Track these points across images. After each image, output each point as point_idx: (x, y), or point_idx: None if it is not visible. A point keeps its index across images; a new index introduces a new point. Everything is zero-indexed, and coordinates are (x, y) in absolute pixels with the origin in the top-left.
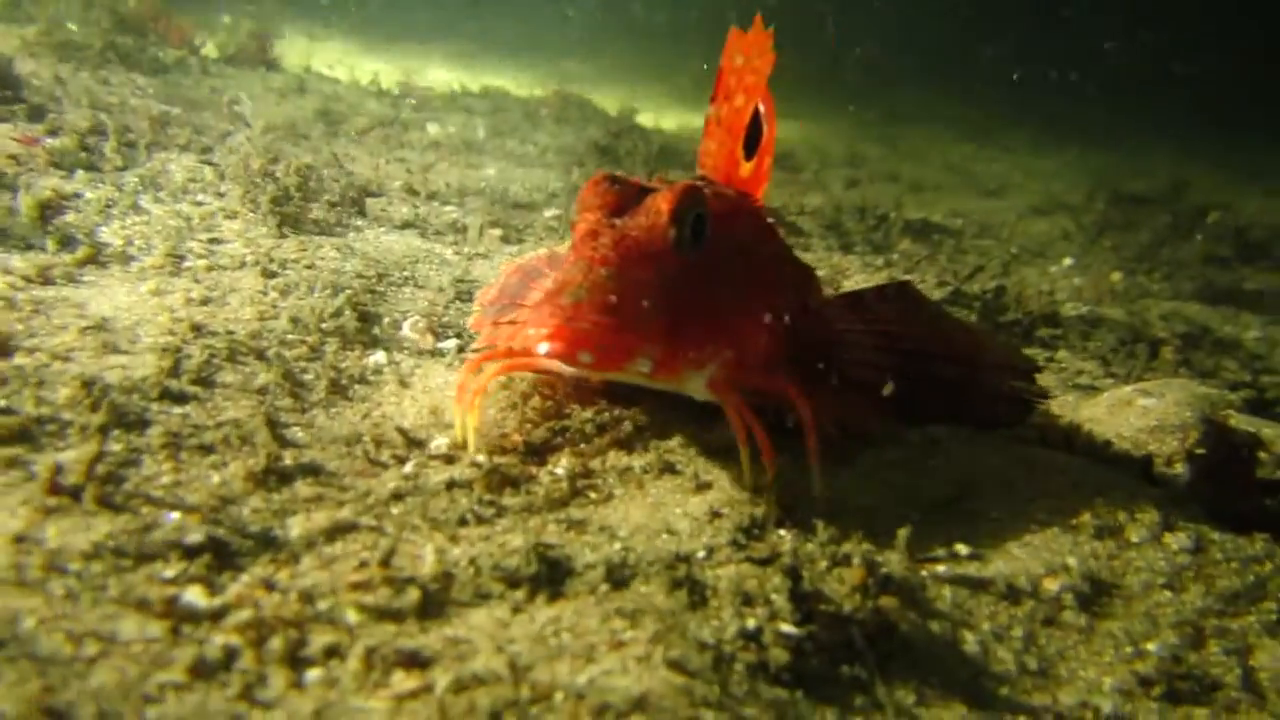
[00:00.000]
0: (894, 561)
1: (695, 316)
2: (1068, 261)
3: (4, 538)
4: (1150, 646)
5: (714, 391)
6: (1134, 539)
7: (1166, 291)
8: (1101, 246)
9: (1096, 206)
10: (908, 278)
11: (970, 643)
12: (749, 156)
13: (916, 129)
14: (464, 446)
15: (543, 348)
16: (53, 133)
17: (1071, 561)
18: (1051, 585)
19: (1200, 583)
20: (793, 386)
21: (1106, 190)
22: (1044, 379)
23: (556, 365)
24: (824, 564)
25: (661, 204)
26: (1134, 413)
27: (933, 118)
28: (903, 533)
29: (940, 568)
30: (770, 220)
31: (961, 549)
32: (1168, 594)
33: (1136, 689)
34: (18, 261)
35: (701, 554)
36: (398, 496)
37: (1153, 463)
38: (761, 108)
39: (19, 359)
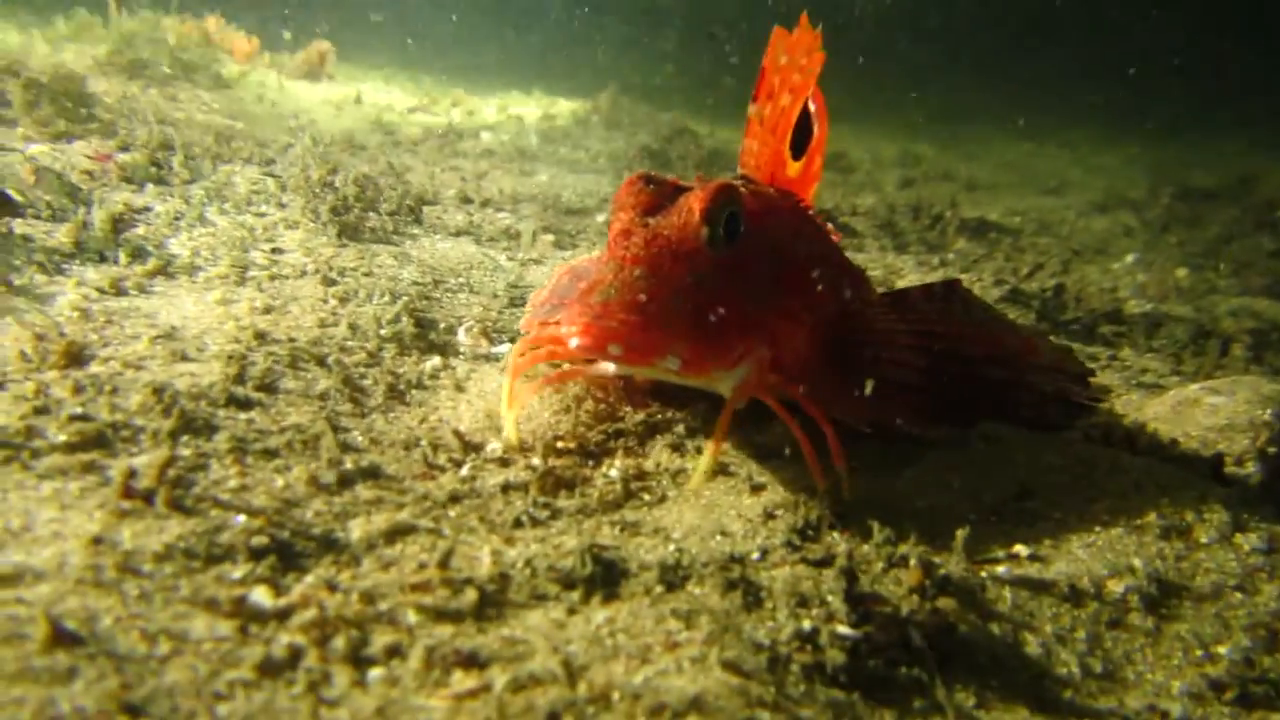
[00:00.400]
0: (952, 563)
1: (727, 315)
2: (1130, 258)
3: (83, 539)
4: (1221, 650)
5: (752, 392)
6: (1203, 539)
7: (1235, 288)
8: (1166, 243)
9: (1161, 202)
10: (957, 276)
11: (1032, 645)
12: (797, 156)
13: (971, 128)
14: (515, 443)
15: (573, 342)
16: (124, 148)
17: (1136, 562)
18: (1116, 587)
19: (1274, 584)
20: (812, 404)
21: (1171, 185)
22: (1106, 377)
23: (588, 358)
24: (880, 565)
25: (694, 203)
26: (1201, 411)
27: (987, 116)
28: (961, 534)
29: (1000, 569)
30: (820, 220)
31: (1021, 550)
32: (1239, 595)
33: (1207, 693)
34: (92, 274)
35: (756, 555)
36: (455, 499)
37: (1223, 461)
38: (812, 106)
39: (94, 367)
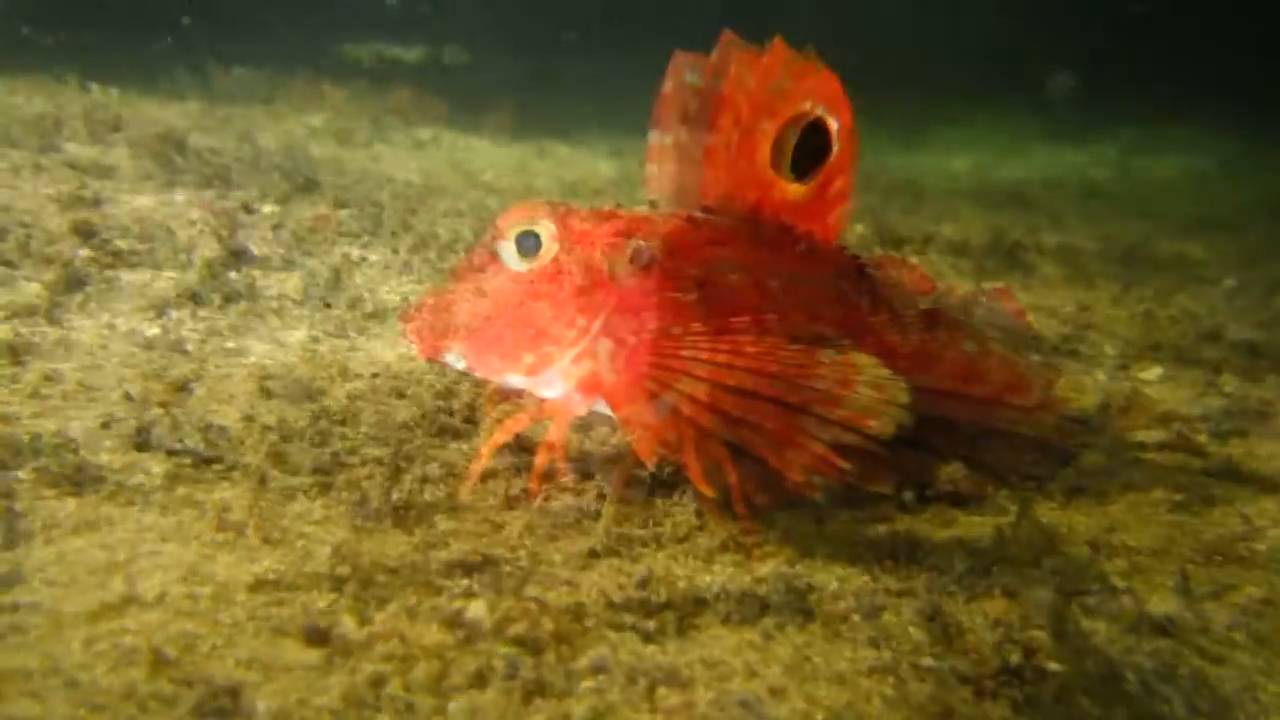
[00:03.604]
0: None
1: (517, 325)
2: (1230, 283)
3: (181, 570)
4: None
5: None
6: None
7: None
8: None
9: (1257, 225)
10: (936, 306)
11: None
12: (803, 177)
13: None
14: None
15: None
16: (341, 206)
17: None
18: None
19: None
20: (617, 397)
21: (1267, 207)
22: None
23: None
24: None
25: (499, 222)
26: None
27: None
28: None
29: None
30: (830, 247)
31: None
32: None
33: None
34: (318, 321)
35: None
36: (530, 529)
37: None
38: (834, 125)
39: (326, 401)
